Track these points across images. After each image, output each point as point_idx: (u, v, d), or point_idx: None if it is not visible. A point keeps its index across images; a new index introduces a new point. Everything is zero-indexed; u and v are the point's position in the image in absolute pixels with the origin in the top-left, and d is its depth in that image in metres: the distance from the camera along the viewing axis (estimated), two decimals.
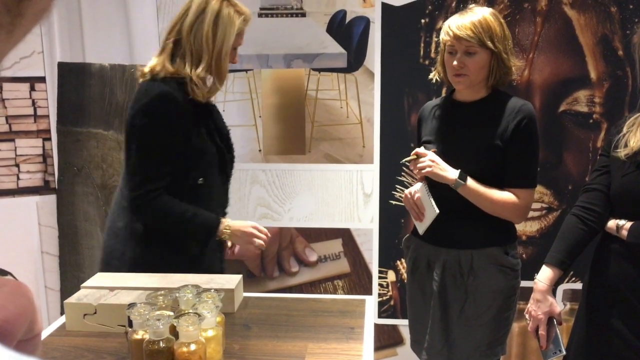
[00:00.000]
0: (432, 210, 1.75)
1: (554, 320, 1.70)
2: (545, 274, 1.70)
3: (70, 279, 2.65)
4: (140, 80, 1.65)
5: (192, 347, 1.09)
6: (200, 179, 1.65)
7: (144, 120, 1.57)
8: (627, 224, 1.60)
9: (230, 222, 1.68)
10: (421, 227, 1.81)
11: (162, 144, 1.59)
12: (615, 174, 1.65)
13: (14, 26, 0.31)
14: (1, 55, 0.33)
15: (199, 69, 1.60)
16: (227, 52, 1.64)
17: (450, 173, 1.71)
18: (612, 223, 1.65)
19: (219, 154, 1.72)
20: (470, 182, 1.71)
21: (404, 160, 1.83)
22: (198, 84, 1.61)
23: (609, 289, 1.65)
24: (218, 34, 1.61)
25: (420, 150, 1.77)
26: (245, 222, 1.71)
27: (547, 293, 1.69)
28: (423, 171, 1.73)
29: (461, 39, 1.68)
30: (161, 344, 1.10)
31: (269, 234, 1.72)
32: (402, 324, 2.73)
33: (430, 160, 1.73)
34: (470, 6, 1.77)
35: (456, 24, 1.69)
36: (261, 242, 1.68)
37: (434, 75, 1.88)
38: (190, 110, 1.62)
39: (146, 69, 1.63)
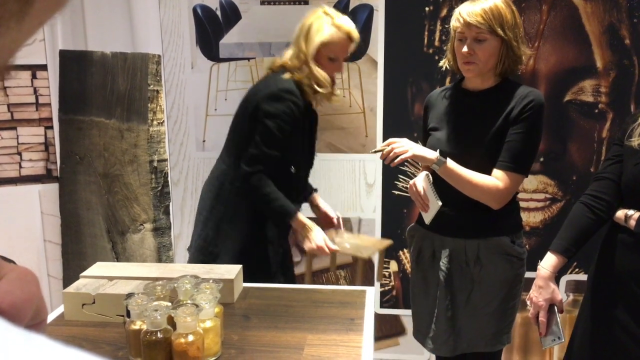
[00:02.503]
0: (435, 203, 1.74)
1: (555, 307, 1.69)
2: (548, 261, 1.68)
3: (73, 267, 2.65)
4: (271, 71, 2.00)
5: (190, 338, 1.08)
6: (292, 168, 1.96)
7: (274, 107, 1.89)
8: (635, 214, 1.58)
9: (306, 223, 1.91)
10: (427, 217, 1.80)
11: (282, 131, 1.89)
12: (627, 163, 1.63)
13: (23, 14, 0.31)
14: (14, 45, 0.32)
15: (303, 74, 1.91)
16: (311, 57, 1.89)
17: (431, 154, 1.70)
18: (620, 213, 1.63)
19: (305, 150, 2.01)
20: (450, 162, 1.70)
21: (372, 151, 1.84)
22: (306, 87, 1.90)
23: (615, 280, 1.63)
24: (308, 42, 1.90)
25: (392, 139, 1.76)
26: (316, 233, 1.89)
27: (549, 280, 1.67)
28: (403, 156, 1.70)
29: (471, 26, 1.66)
30: (159, 335, 1.09)
31: (327, 252, 1.89)
32: (404, 314, 2.72)
33: (404, 144, 1.72)
34: None
35: (467, 11, 1.68)
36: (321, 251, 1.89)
37: (443, 63, 1.87)
38: (303, 108, 1.91)
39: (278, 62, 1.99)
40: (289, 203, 1.90)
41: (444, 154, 1.70)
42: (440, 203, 1.72)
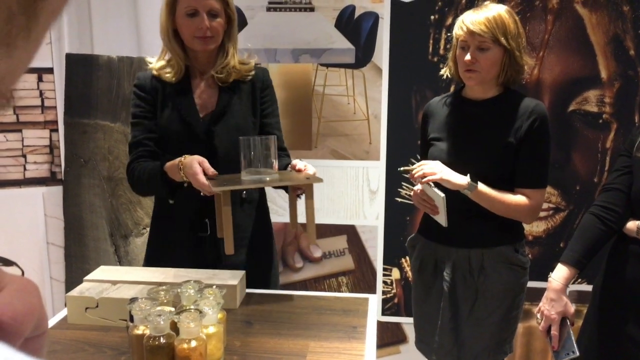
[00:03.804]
0: (438, 197, 1.72)
1: (567, 320, 1.68)
2: (560, 273, 1.67)
3: (75, 270, 2.65)
4: None
5: (193, 343, 1.08)
6: (169, 158, 1.63)
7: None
8: None
9: (178, 162, 1.53)
10: (441, 219, 1.76)
11: (133, 115, 1.74)
12: (637, 175, 1.62)
13: (29, 30, 0.29)
14: (22, 66, 0.31)
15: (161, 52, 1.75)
16: (167, 30, 1.67)
17: (461, 179, 1.69)
18: (632, 224, 1.62)
19: (188, 135, 1.69)
20: (481, 186, 1.69)
21: (401, 169, 1.82)
22: (162, 64, 1.72)
23: (624, 292, 1.62)
24: (161, 9, 1.69)
25: (423, 162, 1.75)
26: (189, 165, 1.49)
27: (562, 292, 1.66)
28: (432, 177, 1.69)
29: (474, 34, 1.66)
30: (162, 340, 1.09)
31: (203, 182, 1.45)
32: (406, 321, 2.72)
33: (435, 166, 1.71)
34: (485, 3, 1.75)
35: (470, 19, 1.68)
36: (204, 189, 1.47)
37: (444, 72, 1.86)
38: (156, 90, 1.72)
39: None
40: (155, 163, 1.65)
41: (474, 179, 1.69)
42: (442, 195, 1.69)
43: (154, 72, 1.73)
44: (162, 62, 1.73)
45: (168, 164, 1.57)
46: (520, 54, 1.71)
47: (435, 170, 1.69)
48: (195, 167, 1.47)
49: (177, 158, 1.54)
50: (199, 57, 1.72)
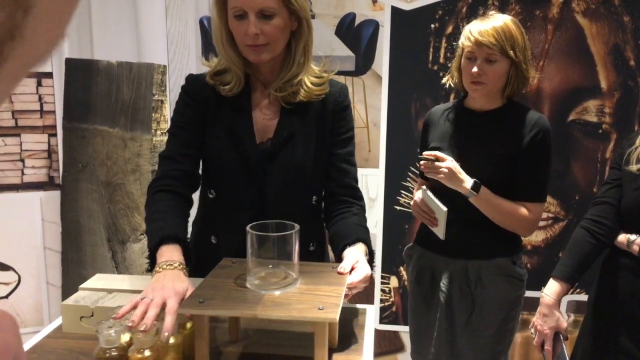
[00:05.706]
0: (440, 210, 1.71)
1: (560, 335, 1.67)
2: (552, 288, 1.67)
3: (72, 275, 2.65)
4: None
5: (147, 353, 1.05)
6: (211, 192, 1.42)
7: None
8: (638, 239, 1.57)
9: (163, 266, 1.19)
10: (439, 232, 1.76)
11: (173, 124, 1.44)
12: (627, 188, 1.62)
13: None
14: None
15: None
16: (220, 33, 1.38)
17: (466, 183, 1.67)
18: (622, 237, 1.62)
19: (241, 166, 1.41)
20: (483, 192, 1.68)
21: (422, 155, 1.79)
22: (219, 70, 1.44)
23: (617, 305, 1.62)
24: (211, 7, 1.40)
25: (441, 154, 1.72)
26: (150, 289, 1.14)
27: (554, 307, 1.66)
28: (438, 176, 1.68)
29: (483, 46, 1.63)
30: (113, 353, 1.07)
31: (146, 326, 1.04)
32: (404, 330, 2.71)
33: (447, 168, 1.68)
34: (490, 12, 1.72)
35: (478, 30, 1.64)
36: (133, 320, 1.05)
37: (447, 80, 1.84)
38: (209, 101, 1.43)
39: None
40: (167, 226, 1.26)
41: (477, 185, 1.67)
42: (445, 209, 1.68)
43: (209, 80, 1.43)
44: (220, 68, 1.43)
45: (159, 252, 1.23)
46: (526, 67, 1.69)
47: (440, 170, 1.68)
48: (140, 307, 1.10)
49: (164, 259, 1.20)
50: (260, 65, 1.41)
